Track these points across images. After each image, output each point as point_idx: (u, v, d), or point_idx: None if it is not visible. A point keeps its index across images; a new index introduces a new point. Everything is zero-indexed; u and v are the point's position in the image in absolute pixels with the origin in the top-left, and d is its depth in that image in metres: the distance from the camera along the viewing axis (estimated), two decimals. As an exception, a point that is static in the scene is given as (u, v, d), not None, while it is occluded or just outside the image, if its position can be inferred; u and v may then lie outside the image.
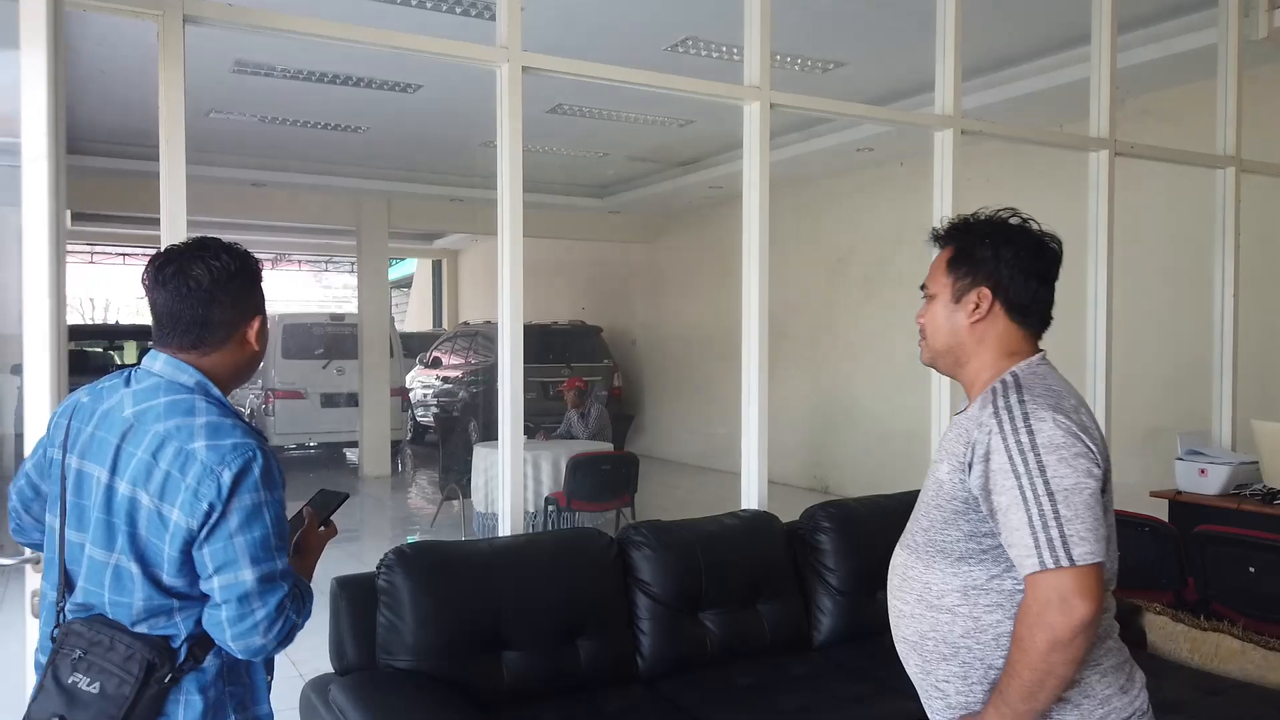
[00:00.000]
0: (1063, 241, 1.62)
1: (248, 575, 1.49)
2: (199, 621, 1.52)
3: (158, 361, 1.61)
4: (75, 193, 9.88)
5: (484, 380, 12.11)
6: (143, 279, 1.64)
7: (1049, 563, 1.37)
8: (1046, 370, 1.56)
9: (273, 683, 1.70)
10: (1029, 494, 1.39)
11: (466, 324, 14.15)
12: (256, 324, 1.66)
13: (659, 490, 9.26)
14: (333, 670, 2.79)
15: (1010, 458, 1.42)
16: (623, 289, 13.61)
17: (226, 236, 1.67)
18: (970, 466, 1.47)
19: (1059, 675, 1.38)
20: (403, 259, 21.29)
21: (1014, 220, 1.60)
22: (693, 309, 11.88)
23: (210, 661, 1.55)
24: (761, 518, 3.52)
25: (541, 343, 11.83)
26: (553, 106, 7.69)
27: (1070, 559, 1.36)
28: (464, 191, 10.67)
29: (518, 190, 3.34)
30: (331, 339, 11.82)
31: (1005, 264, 1.56)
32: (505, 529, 3.37)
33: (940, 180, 4.16)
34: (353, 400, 11.47)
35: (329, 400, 11.54)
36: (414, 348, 14.14)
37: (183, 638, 1.52)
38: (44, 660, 1.54)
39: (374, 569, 2.88)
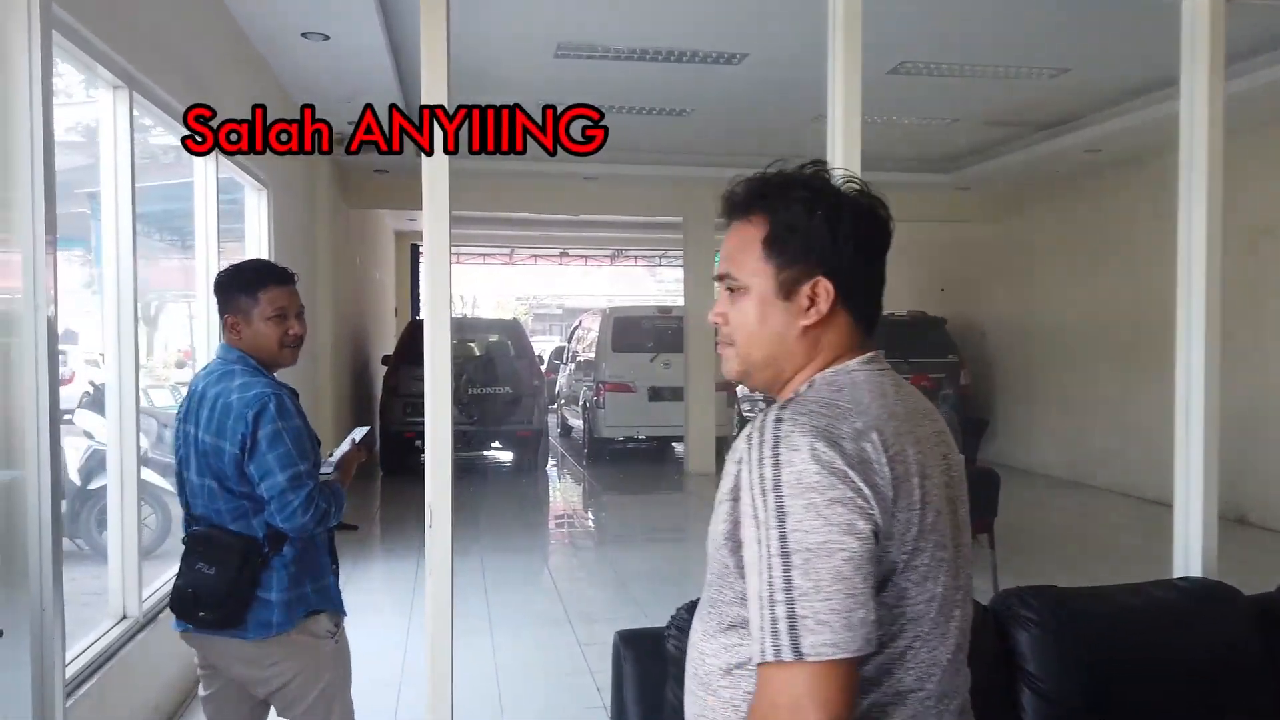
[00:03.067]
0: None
1: (280, 478, 2.17)
2: (242, 519, 2.23)
3: (220, 346, 2.39)
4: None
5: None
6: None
7: (769, 653, 0.99)
8: (860, 379, 1.15)
9: (338, 570, 2.44)
10: (763, 552, 1.02)
11: (795, 316, 13.47)
12: (230, 319, 2.34)
13: (1023, 512, 7.90)
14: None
15: (752, 499, 1.05)
16: (969, 275, 12.13)
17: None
18: (721, 504, 1.15)
19: None
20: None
21: (836, 177, 1.23)
22: (1058, 296, 10.20)
23: (288, 549, 2.25)
24: (1214, 592, 2.43)
25: (877, 335, 10.83)
26: (894, 65, 6.73)
27: (797, 651, 0.97)
28: (793, 174, 9.97)
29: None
30: (659, 332, 11.70)
31: (844, 240, 1.17)
32: None
33: None
34: (679, 395, 11.25)
35: (656, 394, 11.42)
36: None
37: (262, 535, 2.23)
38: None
39: (662, 626, 2.26)
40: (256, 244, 5.88)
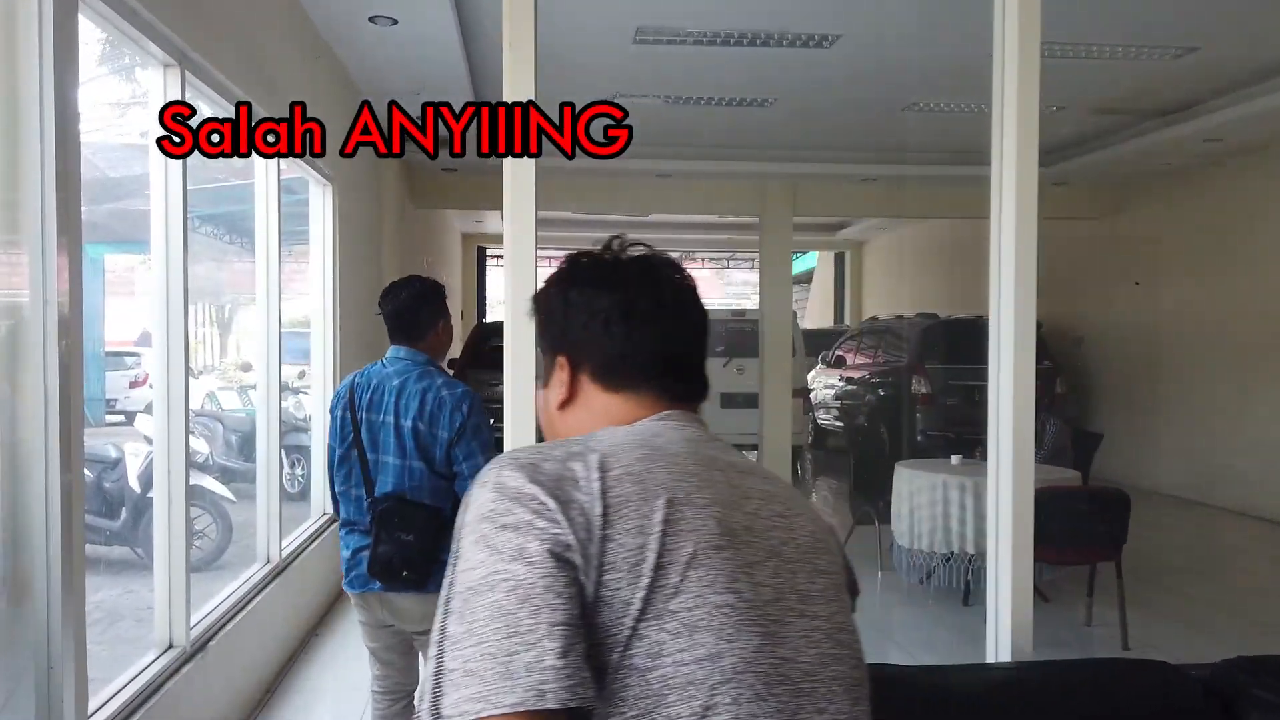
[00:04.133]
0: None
1: (481, 459, 2.54)
2: (455, 492, 2.61)
3: (401, 350, 2.72)
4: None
5: (894, 383, 10.77)
6: (380, 299, 2.76)
7: (421, 711, 0.77)
8: (632, 427, 0.99)
9: None
10: (441, 598, 0.83)
11: (874, 319, 12.88)
12: (440, 325, 2.77)
13: (1146, 536, 7.23)
14: None
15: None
16: (1064, 276, 11.40)
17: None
18: None
19: None
20: (803, 253, 20.51)
21: (585, 254, 1.09)
22: (1170, 300, 9.46)
23: None
24: None
25: (965, 339, 10.22)
26: (999, 48, 6.18)
27: (436, 713, 0.75)
28: (878, 169, 9.43)
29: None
30: (732, 336, 11.23)
31: (575, 310, 1.05)
32: (1004, 646, 2.16)
33: None
34: (752, 401, 10.76)
35: (728, 400, 10.94)
36: (815, 345, 13.20)
37: (450, 505, 2.58)
38: (361, 524, 2.65)
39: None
40: (321, 242, 5.60)
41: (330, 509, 3.94)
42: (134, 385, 13.00)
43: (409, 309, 2.68)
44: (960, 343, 10.16)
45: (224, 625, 3.59)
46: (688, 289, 1.12)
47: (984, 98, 7.64)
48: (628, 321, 1.05)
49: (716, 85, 7.05)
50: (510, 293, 2.22)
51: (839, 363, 12.59)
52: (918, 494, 5.54)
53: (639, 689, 0.81)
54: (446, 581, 0.84)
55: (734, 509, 0.92)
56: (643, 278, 1.09)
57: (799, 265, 21.24)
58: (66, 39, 2.11)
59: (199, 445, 5.99)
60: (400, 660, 2.75)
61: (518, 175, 2.20)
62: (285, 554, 4.48)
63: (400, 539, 2.51)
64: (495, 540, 0.82)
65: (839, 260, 18.58)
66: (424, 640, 2.61)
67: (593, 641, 0.81)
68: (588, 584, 0.82)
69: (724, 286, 25.59)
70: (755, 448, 10.96)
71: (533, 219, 2.19)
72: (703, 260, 23.13)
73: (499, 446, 2.23)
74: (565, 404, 1.07)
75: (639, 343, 1.05)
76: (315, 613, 5.13)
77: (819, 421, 12.54)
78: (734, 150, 9.13)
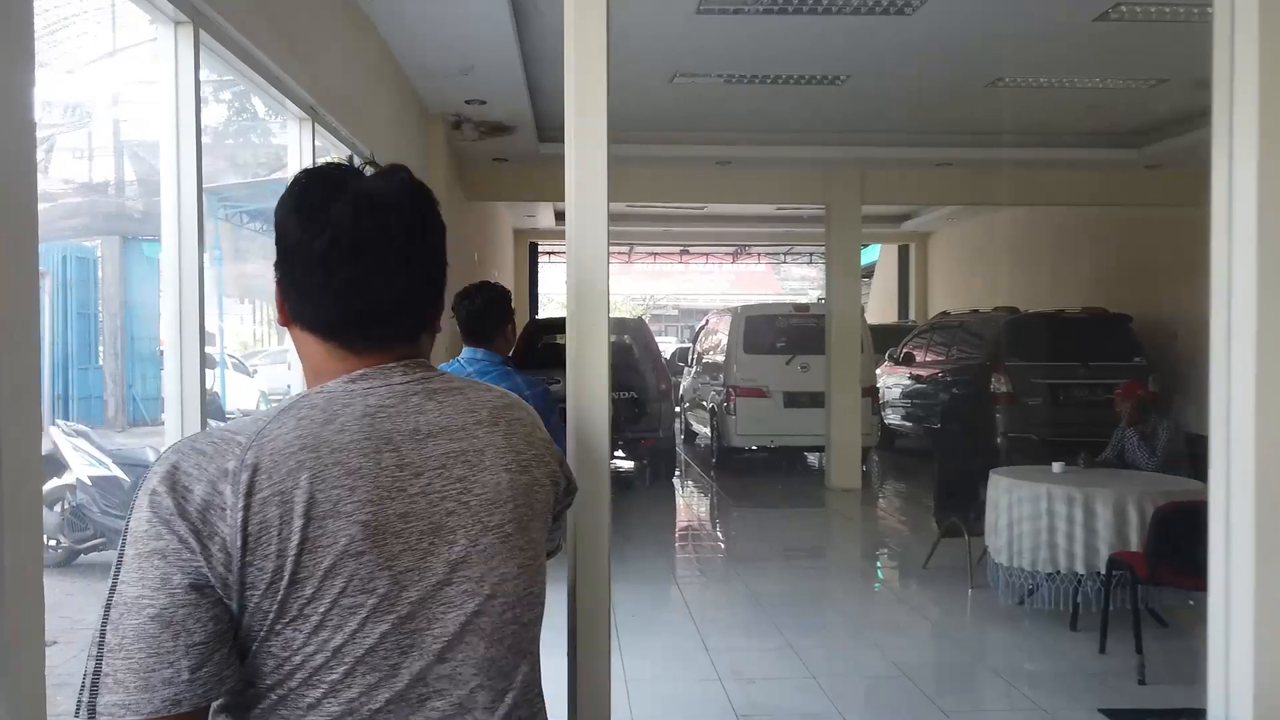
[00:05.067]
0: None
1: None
2: None
3: (479, 352, 3.01)
4: (551, 183, 9.96)
5: (971, 381, 10.13)
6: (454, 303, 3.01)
7: (75, 711, 0.93)
8: (318, 401, 1.03)
9: None
10: (104, 600, 0.96)
11: (946, 314, 12.23)
12: (507, 328, 3.08)
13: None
14: None
15: None
16: (1158, 267, 10.62)
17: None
18: None
19: None
20: (865, 245, 19.82)
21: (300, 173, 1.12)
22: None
23: None
24: None
25: (1049, 335, 9.56)
26: (1102, 12, 5.58)
27: (92, 710, 0.91)
28: (955, 153, 8.80)
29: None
30: (795, 332, 10.69)
31: (282, 239, 1.07)
32: (1240, 698, 1.65)
33: None
34: (817, 400, 10.22)
35: (792, 399, 10.42)
36: (880, 342, 12.59)
37: None
38: None
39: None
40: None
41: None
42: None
43: (482, 314, 2.97)
44: (1044, 339, 9.51)
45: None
46: (378, 211, 1.06)
47: (1058, 70, 6.97)
48: (301, 262, 1.05)
49: (784, 60, 6.54)
50: (575, 289, 1.82)
51: (907, 360, 11.99)
52: (1018, 506, 4.99)
53: (271, 671, 0.97)
54: (110, 585, 0.95)
55: (391, 500, 1.00)
56: (313, 208, 1.06)
57: (860, 259, 20.53)
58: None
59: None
60: None
61: (585, 156, 1.78)
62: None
63: None
64: (144, 565, 0.93)
65: (903, 253, 17.87)
66: None
67: (238, 635, 0.96)
68: (231, 603, 0.95)
69: (779, 281, 24.92)
70: (821, 449, 10.43)
71: (604, 209, 1.79)
72: (759, 255, 22.55)
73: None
74: (283, 324, 1.10)
75: (310, 290, 1.06)
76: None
77: (886, 422, 11.94)
78: (799, 135, 8.59)
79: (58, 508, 5.67)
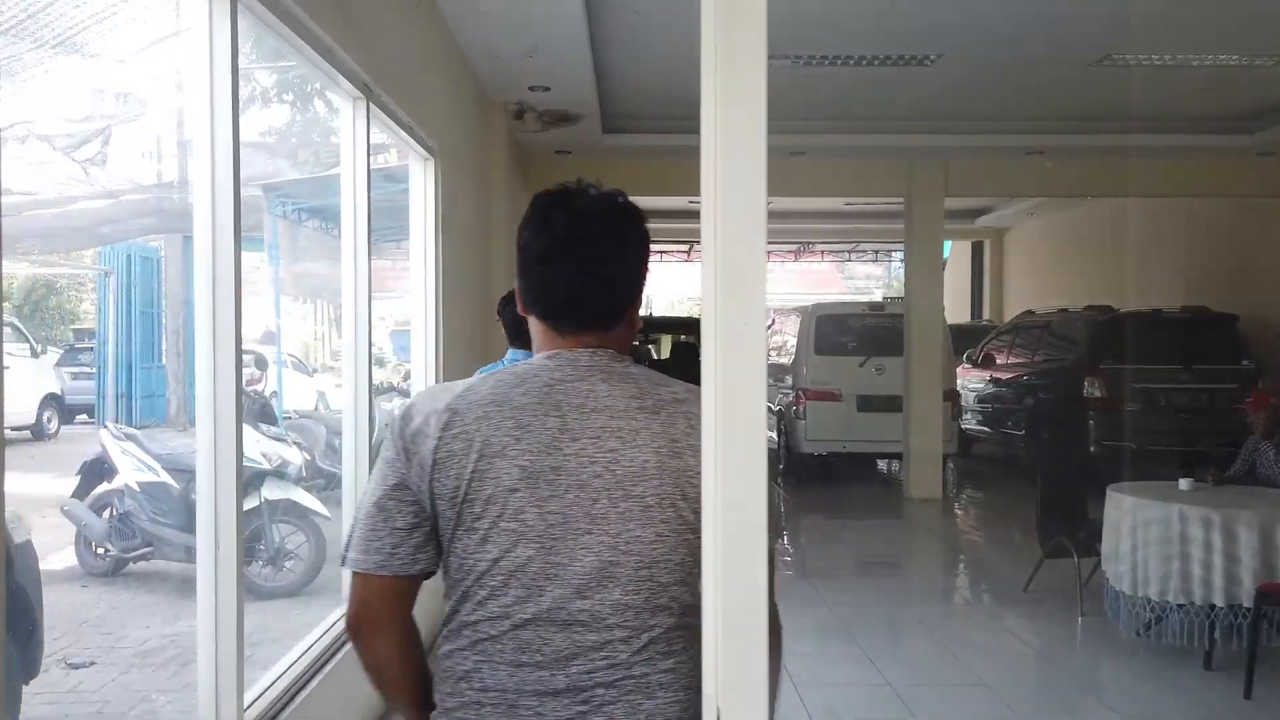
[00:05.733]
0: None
1: None
2: None
3: (519, 353, 2.85)
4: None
5: (1061, 385, 9.49)
6: (499, 306, 3.11)
7: (342, 557, 1.33)
8: (517, 370, 1.32)
9: None
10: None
11: (1030, 313, 11.55)
12: None
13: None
14: None
15: None
16: (1269, 262, 9.85)
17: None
18: None
19: (363, 667, 1.35)
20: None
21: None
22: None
23: None
24: None
25: (1147, 336, 8.88)
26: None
27: (344, 559, 1.31)
28: (1047, 140, 8.20)
29: None
30: (870, 332, 10.15)
31: (521, 249, 1.37)
32: None
33: None
34: (892, 404, 9.68)
35: (865, 403, 9.88)
36: (956, 343, 11.98)
37: None
38: None
39: None
40: (421, 225, 4.89)
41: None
42: (250, 383, 12.98)
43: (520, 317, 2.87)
44: (1142, 340, 8.83)
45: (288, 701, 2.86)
46: (585, 221, 1.32)
47: (1169, 47, 6.32)
48: (527, 261, 1.34)
49: (867, 40, 6.05)
50: (726, 297, 1.41)
51: (987, 362, 11.35)
52: (1145, 528, 4.44)
53: (456, 568, 1.28)
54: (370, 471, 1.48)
55: (547, 454, 1.25)
56: (540, 219, 1.33)
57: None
58: None
59: (290, 454, 5.38)
60: None
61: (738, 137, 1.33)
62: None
63: None
64: (379, 468, 1.30)
65: (976, 250, 17.13)
66: None
67: (436, 532, 1.28)
68: (426, 505, 1.27)
69: (844, 280, 24.24)
70: (897, 456, 9.87)
71: (762, 212, 1.34)
72: (822, 253, 21.91)
73: None
74: (523, 313, 1.38)
75: (532, 283, 1.34)
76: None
77: (963, 427, 11.32)
78: (878, 122, 8.07)
79: (106, 514, 5.44)
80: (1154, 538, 4.41)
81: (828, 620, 5.45)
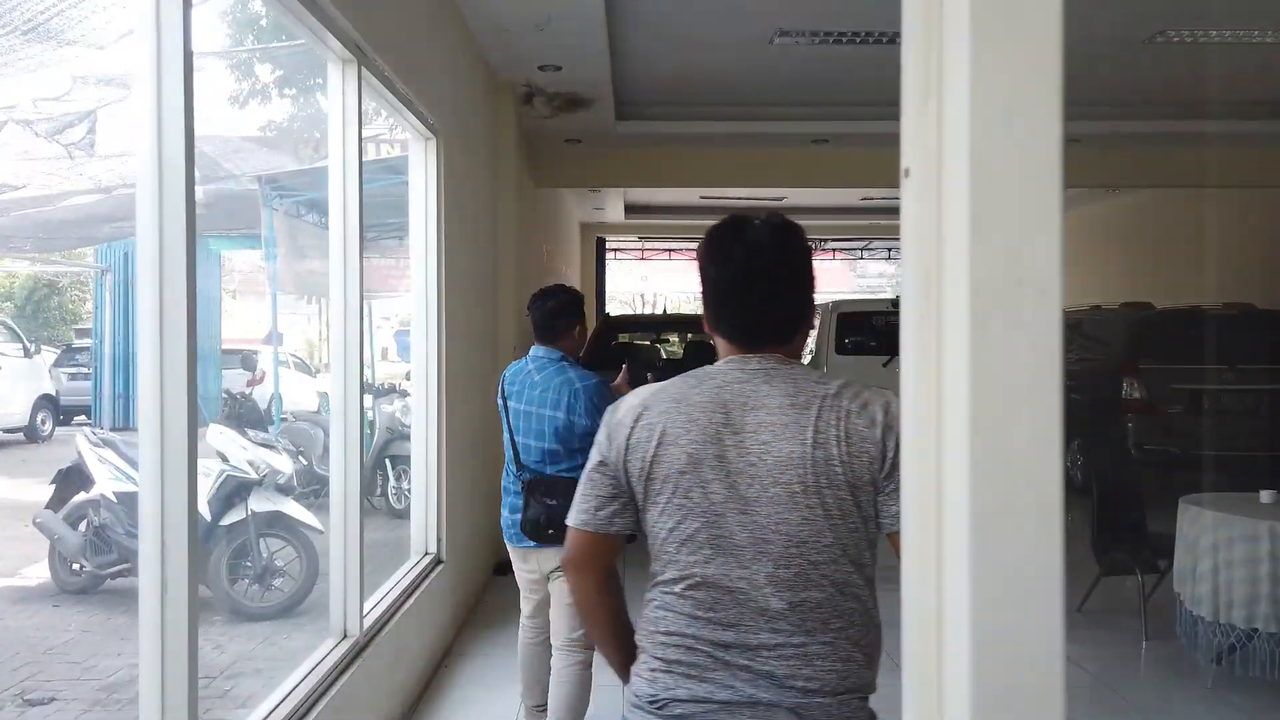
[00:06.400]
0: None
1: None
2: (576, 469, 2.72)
3: (541, 350, 3.18)
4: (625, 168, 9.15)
5: (1096, 386, 9.01)
6: (529, 304, 3.32)
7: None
8: (699, 373, 1.58)
9: None
10: None
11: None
12: (578, 328, 3.24)
13: None
14: None
15: None
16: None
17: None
18: None
19: (576, 601, 1.71)
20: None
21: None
22: None
23: None
24: None
25: (1189, 334, 8.40)
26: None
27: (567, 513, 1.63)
28: (1087, 126, 7.73)
29: None
30: (895, 331, 9.63)
31: (701, 272, 1.62)
32: None
33: None
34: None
35: (890, 406, 9.41)
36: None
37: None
38: (515, 489, 3.19)
39: None
40: (423, 212, 4.45)
41: (434, 548, 4.38)
42: (251, 384, 12.68)
43: (553, 316, 3.17)
44: (1184, 339, 8.35)
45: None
46: (759, 255, 1.53)
47: (1230, 21, 5.78)
48: (710, 287, 1.58)
49: (894, 16, 5.59)
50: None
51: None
52: (1228, 547, 3.98)
53: (647, 533, 1.55)
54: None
55: (711, 444, 1.47)
56: (716, 249, 1.56)
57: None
58: None
59: (279, 462, 4.93)
60: (545, 601, 3.26)
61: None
62: (367, 626, 3.29)
63: (546, 503, 3.00)
64: (594, 445, 1.59)
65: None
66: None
67: (632, 502, 1.55)
68: (621, 480, 1.54)
69: (855, 279, 23.73)
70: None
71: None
72: (834, 251, 21.43)
73: None
74: (707, 330, 1.61)
75: (717, 313, 1.58)
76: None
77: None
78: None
79: (81, 526, 5.01)
80: (1239, 557, 3.95)
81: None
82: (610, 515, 1.53)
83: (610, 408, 1.58)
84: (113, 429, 11.76)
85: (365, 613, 3.31)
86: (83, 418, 14.34)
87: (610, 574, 1.61)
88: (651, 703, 1.47)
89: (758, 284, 1.51)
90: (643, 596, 1.57)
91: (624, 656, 1.58)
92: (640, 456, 1.48)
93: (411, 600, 3.82)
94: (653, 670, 1.49)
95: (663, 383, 1.55)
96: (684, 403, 1.49)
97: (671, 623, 1.48)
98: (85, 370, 15.44)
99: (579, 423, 3.01)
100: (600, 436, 1.55)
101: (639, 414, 1.51)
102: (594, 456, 1.55)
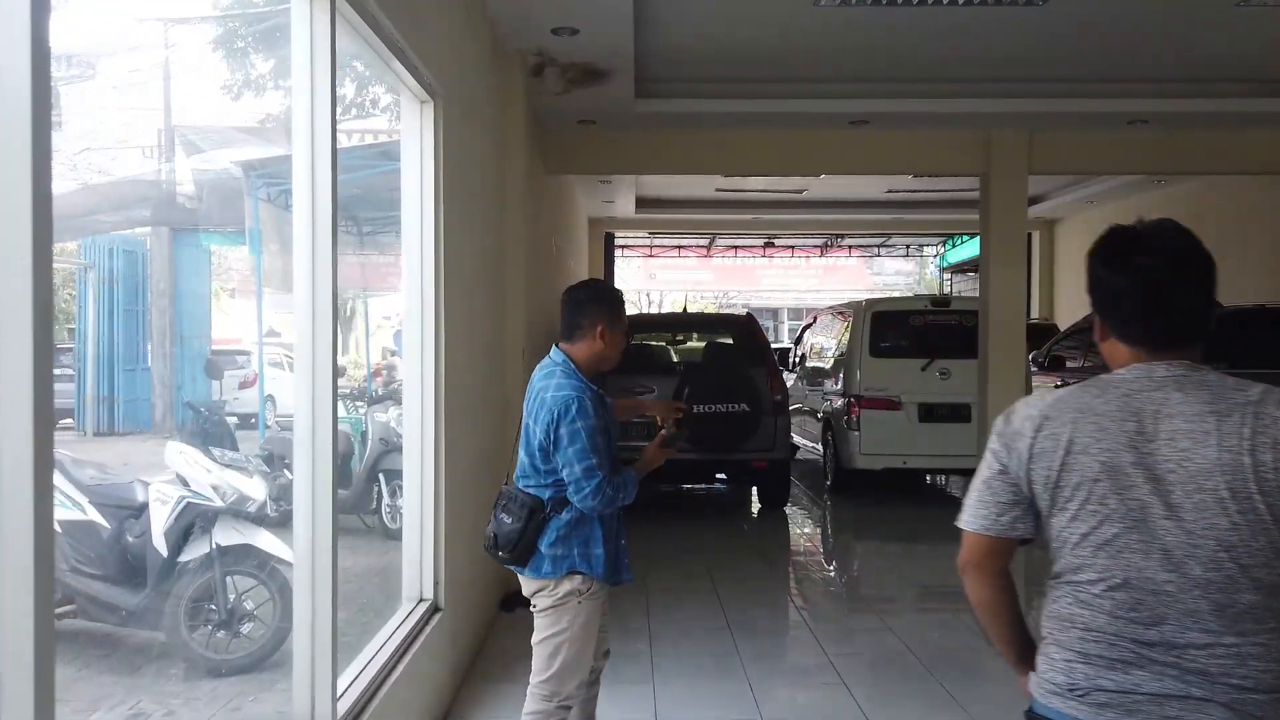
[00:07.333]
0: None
1: (576, 468, 2.68)
2: (559, 489, 2.74)
3: (558, 351, 2.88)
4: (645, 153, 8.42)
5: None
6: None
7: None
8: (1100, 381, 1.61)
9: (620, 545, 2.89)
10: None
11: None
12: (600, 329, 2.84)
13: None
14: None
15: None
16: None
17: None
18: None
19: (975, 603, 1.72)
20: (965, 238, 17.90)
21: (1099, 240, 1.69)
22: None
23: (566, 513, 2.75)
24: None
25: (1249, 334, 7.70)
26: None
27: (959, 520, 1.66)
28: (1157, 105, 7.00)
29: None
30: (933, 332, 8.95)
31: (1095, 284, 1.68)
32: None
33: None
34: (959, 413, 8.52)
35: (928, 412, 8.69)
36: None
37: (548, 497, 2.76)
38: None
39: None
40: (417, 186, 3.73)
41: (430, 593, 3.81)
42: (243, 386, 12.03)
43: (570, 309, 2.90)
44: (1243, 339, 7.64)
45: None
46: (1174, 254, 1.56)
47: None
48: (1114, 298, 1.59)
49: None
50: None
51: (1055, 365, 10.14)
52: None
53: (1054, 538, 1.58)
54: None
55: (1125, 451, 1.49)
56: (1121, 259, 1.58)
57: (965, 252, 18.55)
58: None
59: (250, 488, 4.20)
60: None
61: None
62: (342, 712, 2.56)
63: (501, 520, 2.80)
64: (987, 454, 1.62)
65: (1025, 242, 15.93)
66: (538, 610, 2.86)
67: (1034, 510, 1.59)
68: (1023, 487, 1.57)
69: (872, 276, 22.97)
70: (965, 472, 8.67)
71: None
72: (850, 248, 20.72)
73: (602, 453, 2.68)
74: (1100, 340, 1.64)
75: (1127, 313, 1.58)
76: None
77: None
78: (956, 86, 6.88)
79: (20, 560, 4.27)
80: None
81: (901, 655, 4.70)
82: (1013, 520, 1.60)
83: (1002, 417, 1.62)
84: (96, 434, 11.07)
85: (340, 693, 2.59)
86: (69, 421, 13.66)
87: (1007, 574, 1.67)
88: (1071, 690, 1.52)
89: (1176, 288, 1.54)
90: (1046, 592, 1.61)
91: (1023, 651, 1.68)
92: (1046, 465, 1.54)
93: (402, 666, 3.10)
94: (1068, 661, 1.54)
95: (1057, 392, 1.59)
96: (1090, 412, 1.53)
97: (1090, 620, 1.53)
98: (70, 371, 14.75)
99: (538, 437, 2.74)
100: (995, 445, 1.60)
101: (1039, 424, 1.55)
102: (990, 464, 1.60)
